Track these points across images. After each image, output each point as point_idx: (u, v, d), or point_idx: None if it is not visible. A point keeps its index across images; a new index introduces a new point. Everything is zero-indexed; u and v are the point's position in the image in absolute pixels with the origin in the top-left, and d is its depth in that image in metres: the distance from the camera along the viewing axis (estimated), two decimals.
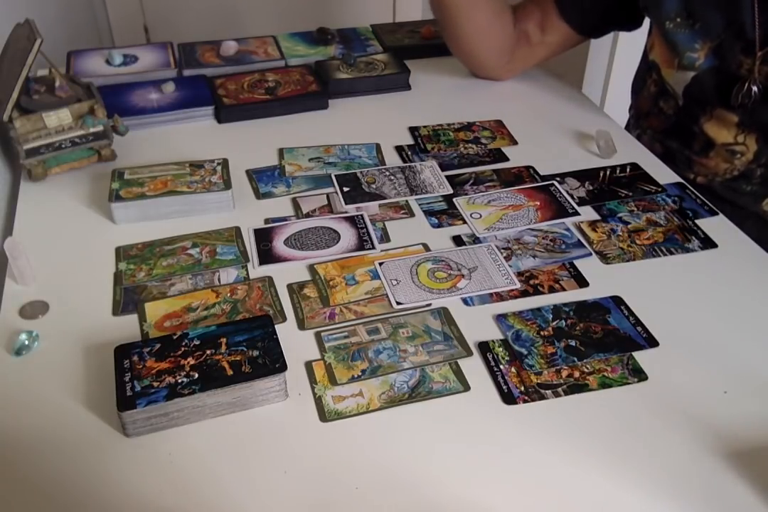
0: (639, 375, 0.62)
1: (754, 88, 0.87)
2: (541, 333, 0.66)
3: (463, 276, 0.73)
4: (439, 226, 0.81)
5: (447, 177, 0.89)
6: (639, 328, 0.67)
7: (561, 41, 1.06)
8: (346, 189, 0.86)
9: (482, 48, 1.07)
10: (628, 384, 0.62)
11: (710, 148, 0.96)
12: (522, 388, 0.61)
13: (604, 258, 0.76)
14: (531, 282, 0.73)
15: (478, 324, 0.68)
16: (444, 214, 0.83)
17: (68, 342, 0.66)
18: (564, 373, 0.63)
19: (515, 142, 0.97)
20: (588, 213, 0.83)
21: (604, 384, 0.62)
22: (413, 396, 0.60)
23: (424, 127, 1.00)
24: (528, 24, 1.05)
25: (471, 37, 1.05)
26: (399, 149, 0.95)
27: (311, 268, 0.74)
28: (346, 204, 0.84)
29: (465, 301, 0.70)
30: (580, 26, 1.03)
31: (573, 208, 0.83)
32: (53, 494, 0.53)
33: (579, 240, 0.78)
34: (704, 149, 0.97)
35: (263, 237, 0.78)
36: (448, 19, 1.05)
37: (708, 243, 0.78)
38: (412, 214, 0.83)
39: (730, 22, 0.87)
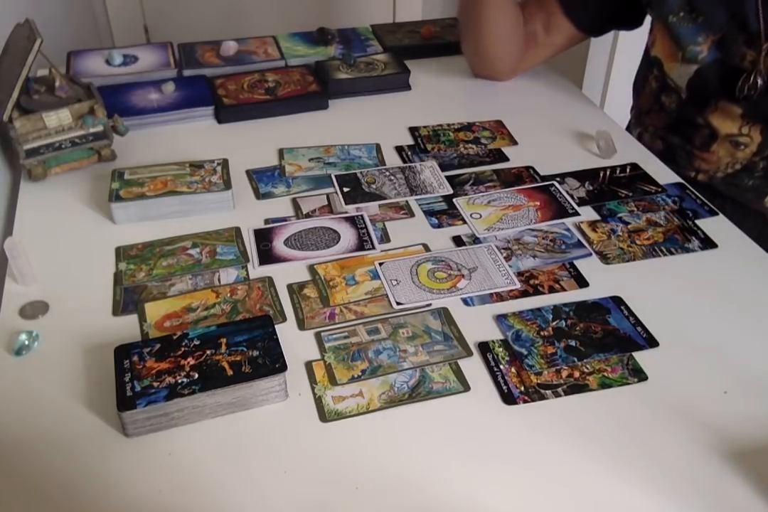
0: (639, 375, 0.62)
1: (760, 80, 0.87)
2: (541, 333, 0.66)
3: (463, 276, 0.73)
4: (439, 226, 0.81)
5: (447, 177, 0.89)
6: (639, 328, 0.67)
7: (564, 41, 1.07)
8: (346, 189, 0.86)
9: (501, 52, 1.08)
10: (628, 384, 0.62)
11: (712, 141, 0.96)
12: (522, 388, 0.61)
13: (604, 258, 0.76)
14: (531, 282, 0.73)
15: (478, 324, 0.68)
16: (444, 214, 0.83)
17: (68, 342, 0.65)
18: (564, 373, 0.63)
19: (515, 142, 0.97)
20: (588, 213, 0.83)
21: (604, 384, 0.62)
22: (413, 396, 0.60)
23: (424, 127, 1.00)
24: (534, 25, 1.06)
25: (494, 42, 1.06)
26: (399, 149, 0.95)
27: (311, 268, 0.74)
28: (346, 204, 0.84)
29: (465, 301, 0.70)
30: (583, 25, 1.04)
31: (573, 208, 0.83)
32: (53, 494, 0.53)
33: (579, 240, 0.78)
34: (706, 143, 0.97)
35: (263, 237, 0.78)
36: (475, 23, 1.05)
37: (708, 243, 0.78)
38: (412, 214, 0.83)
39: (732, 15, 0.87)
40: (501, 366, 0.63)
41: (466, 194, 0.86)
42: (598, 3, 1.03)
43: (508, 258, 0.76)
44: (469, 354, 0.64)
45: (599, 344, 0.65)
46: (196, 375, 0.58)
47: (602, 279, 0.73)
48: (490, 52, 1.08)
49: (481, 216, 0.82)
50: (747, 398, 0.61)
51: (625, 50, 1.90)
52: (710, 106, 0.95)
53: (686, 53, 0.93)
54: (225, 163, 0.86)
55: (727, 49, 0.90)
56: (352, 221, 0.81)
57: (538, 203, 0.84)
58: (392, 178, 0.88)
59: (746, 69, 0.88)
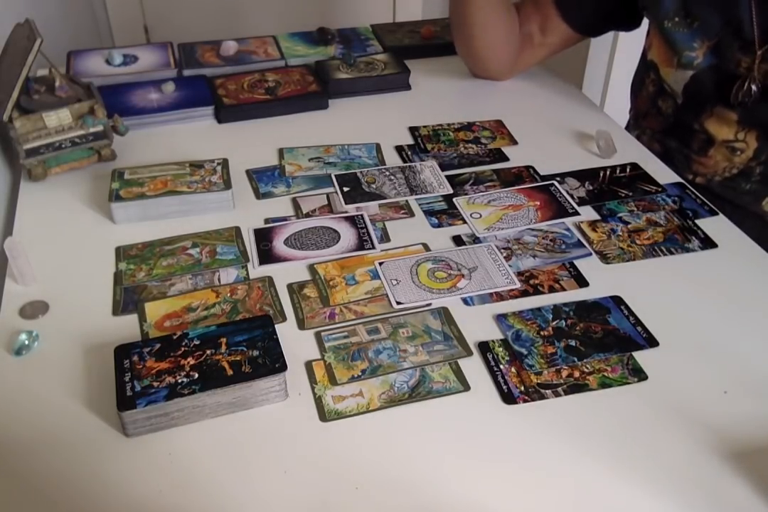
0: (639, 375, 0.62)
1: (754, 87, 0.87)
2: (541, 333, 0.66)
3: (463, 276, 0.73)
4: (439, 225, 0.81)
5: (447, 177, 0.89)
6: (639, 328, 0.67)
7: (561, 41, 1.07)
8: (346, 189, 0.86)
9: (493, 55, 1.08)
10: (628, 384, 0.62)
11: (709, 146, 0.96)
12: (522, 388, 0.61)
13: (604, 258, 0.76)
14: (531, 282, 0.73)
15: (478, 324, 0.68)
16: (444, 213, 0.83)
17: (68, 342, 0.65)
18: (564, 373, 0.62)
19: (515, 142, 0.97)
20: (588, 213, 0.83)
21: (604, 384, 0.62)
22: (413, 396, 0.60)
23: (424, 127, 1.00)
24: (530, 26, 1.06)
25: (484, 45, 1.06)
26: (399, 149, 0.95)
27: (311, 268, 0.74)
28: (346, 204, 0.84)
29: (465, 301, 0.70)
30: (580, 26, 1.04)
31: (573, 207, 0.83)
32: (53, 494, 0.53)
33: (579, 240, 0.78)
34: (703, 148, 0.97)
35: (263, 237, 0.78)
36: (464, 28, 1.05)
37: (708, 243, 0.78)
38: (412, 214, 0.83)
39: (727, 21, 0.87)
40: (501, 366, 0.63)
41: (466, 194, 0.86)
42: (594, 4, 1.02)
43: (508, 258, 0.76)
44: (469, 353, 0.64)
45: (599, 344, 0.65)
46: (196, 375, 0.58)
47: (602, 279, 0.73)
48: (481, 54, 1.08)
49: (481, 215, 0.82)
50: (747, 398, 0.61)
51: (625, 50, 1.90)
52: (706, 112, 0.95)
53: (682, 58, 0.93)
54: (225, 163, 0.87)
55: (722, 55, 0.89)
56: (352, 221, 0.81)
57: (538, 203, 0.84)
58: (392, 177, 0.88)
59: (741, 75, 0.88)
